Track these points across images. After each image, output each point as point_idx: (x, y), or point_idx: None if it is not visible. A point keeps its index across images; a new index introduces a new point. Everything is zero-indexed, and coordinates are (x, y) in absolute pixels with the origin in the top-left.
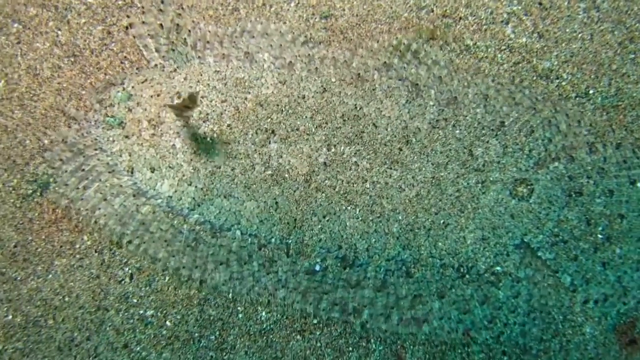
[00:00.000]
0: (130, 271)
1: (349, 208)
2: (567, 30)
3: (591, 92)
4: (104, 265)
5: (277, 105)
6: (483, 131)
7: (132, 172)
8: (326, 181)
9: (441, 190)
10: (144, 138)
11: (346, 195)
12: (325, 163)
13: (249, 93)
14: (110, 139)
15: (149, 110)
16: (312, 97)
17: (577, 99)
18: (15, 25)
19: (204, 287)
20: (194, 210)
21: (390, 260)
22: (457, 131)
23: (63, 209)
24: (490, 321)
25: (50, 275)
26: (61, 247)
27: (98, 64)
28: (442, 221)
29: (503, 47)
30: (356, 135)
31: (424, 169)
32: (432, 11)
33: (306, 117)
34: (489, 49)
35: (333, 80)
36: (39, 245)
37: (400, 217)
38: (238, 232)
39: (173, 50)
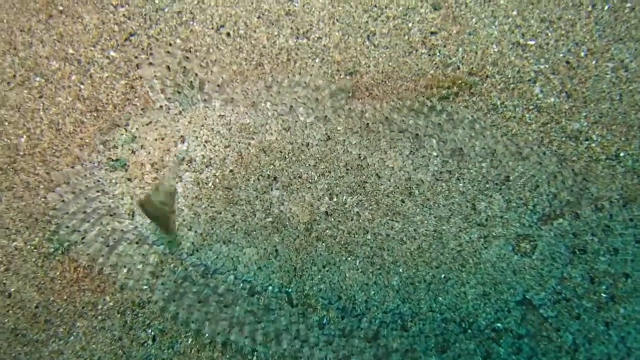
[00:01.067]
0: (153, 333)
1: (349, 259)
2: (596, 90)
3: (622, 154)
4: (126, 327)
5: (281, 152)
6: (487, 185)
7: (132, 216)
8: (327, 231)
9: (443, 244)
10: (146, 181)
11: (347, 246)
12: (326, 212)
13: (253, 139)
14: (113, 181)
15: (152, 153)
16: (316, 144)
17: (607, 161)
18: (38, 79)
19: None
20: (192, 255)
21: (387, 312)
22: (461, 184)
23: (84, 268)
24: None
25: (72, 337)
26: (83, 307)
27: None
28: (443, 275)
29: (531, 107)
30: (359, 185)
31: (426, 221)
32: (459, 68)
33: (309, 165)
34: (517, 109)
35: (339, 128)
36: (60, 305)
37: (400, 270)
38: (231, 277)
39: (179, 92)
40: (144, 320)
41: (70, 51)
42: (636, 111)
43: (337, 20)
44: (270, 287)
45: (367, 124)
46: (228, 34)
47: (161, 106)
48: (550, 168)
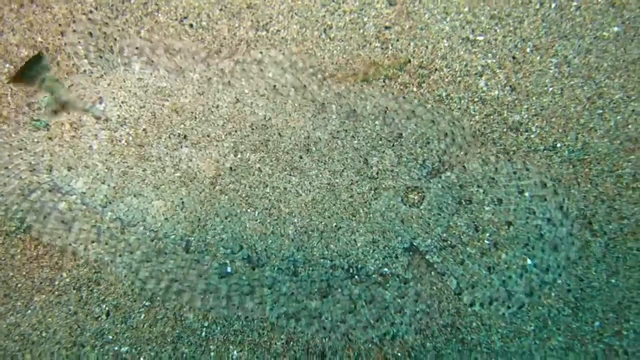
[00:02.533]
0: (107, 308)
1: (249, 210)
2: (539, 84)
3: (559, 145)
4: (81, 302)
5: (192, 112)
6: (380, 142)
7: (50, 171)
8: (230, 185)
9: (335, 196)
10: (64, 139)
11: (247, 199)
12: (231, 168)
13: (167, 101)
14: (35, 139)
15: (72, 113)
16: (225, 106)
17: (545, 151)
18: (7, 65)
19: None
20: (106, 207)
21: (283, 260)
22: (355, 141)
23: (44, 246)
24: (377, 320)
25: (29, 311)
26: (41, 283)
27: None
28: (334, 224)
29: (476, 99)
30: (262, 143)
31: (320, 175)
32: (410, 62)
33: (217, 124)
34: (462, 101)
35: (246, 91)
36: (19, 281)
37: (295, 220)
38: (141, 228)
39: (101, 57)
40: (99, 296)
41: (39, 39)
42: (575, 105)
43: (295, 13)
44: (172, 236)
45: (275, 85)
46: (191, 25)
47: (84, 70)
48: (442, 126)
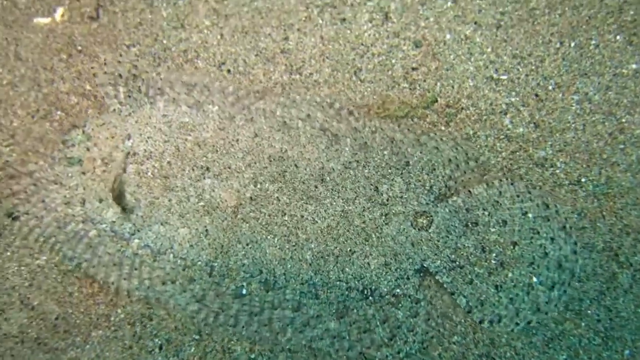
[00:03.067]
0: (159, 342)
1: (269, 237)
2: (562, 120)
3: (583, 180)
4: (136, 337)
5: (213, 146)
6: (389, 170)
7: (83, 204)
8: (251, 213)
9: (349, 222)
10: (97, 174)
11: (267, 226)
12: (251, 197)
13: (190, 135)
14: (69, 175)
15: (103, 149)
16: (245, 140)
17: (570, 186)
18: (59, 112)
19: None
20: (134, 235)
21: (303, 284)
22: (366, 170)
23: (99, 284)
24: (391, 339)
25: (88, 346)
26: (97, 319)
27: None
28: (349, 249)
29: (501, 137)
30: (279, 174)
31: (334, 203)
32: (437, 101)
33: (238, 157)
34: (488, 138)
35: (265, 127)
36: (77, 317)
37: (312, 246)
38: (171, 256)
39: (129, 96)
40: (152, 331)
41: (88, 87)
42: (598, 140)
43: (327, 57)
44: (199, 262)
45: (285, 122)
46: (229, 70)
47: (114, 109)
48: (445, 153)
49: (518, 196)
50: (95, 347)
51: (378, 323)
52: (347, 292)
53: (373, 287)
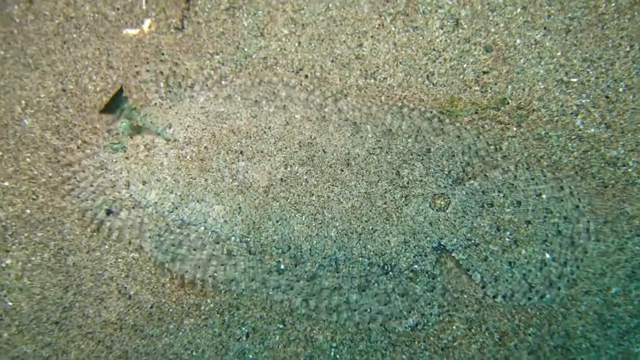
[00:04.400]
0: (246, 330)
1: (297, 215)
2: (633, 121)
3: None
4: (224, 325)
5: (247, 132)
6: (411, 156)
7: (128, 186)
8: (281, 193)
9: (371, 203)
10: (139, 158)
11: (296, 205)
12: (281, 179)
13: (225, 123)
14: (114, 160)
15: (145, 137)
16: (277, 128)
17: None
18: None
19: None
20: (172, 212)
21: (326, 258)
22: (389, 156)
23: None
24: (409, 311)
25: (181, 333)
26: (189, 308)
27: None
28: (371, 227)
29: (573, 137)
30: (308, 158)
31: (358, 185)
32: (508, 103)
33: (270, 142)
34: (560, 139)
35: (296, 116)
36: (170, 306)
37: (337, 224)
38: (202, 228)
39: (170, 92)
40: (239, 320)
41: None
42: None
43: (400, 62)
44: (232, 237)
45: (324, 115)
46: (306, 76)
47: (155, 103)
48: (466, 141)
49: (533, 179)
50: (187, 334)
51: (397, 296)
52: (368, 267)
53: (393, 263)
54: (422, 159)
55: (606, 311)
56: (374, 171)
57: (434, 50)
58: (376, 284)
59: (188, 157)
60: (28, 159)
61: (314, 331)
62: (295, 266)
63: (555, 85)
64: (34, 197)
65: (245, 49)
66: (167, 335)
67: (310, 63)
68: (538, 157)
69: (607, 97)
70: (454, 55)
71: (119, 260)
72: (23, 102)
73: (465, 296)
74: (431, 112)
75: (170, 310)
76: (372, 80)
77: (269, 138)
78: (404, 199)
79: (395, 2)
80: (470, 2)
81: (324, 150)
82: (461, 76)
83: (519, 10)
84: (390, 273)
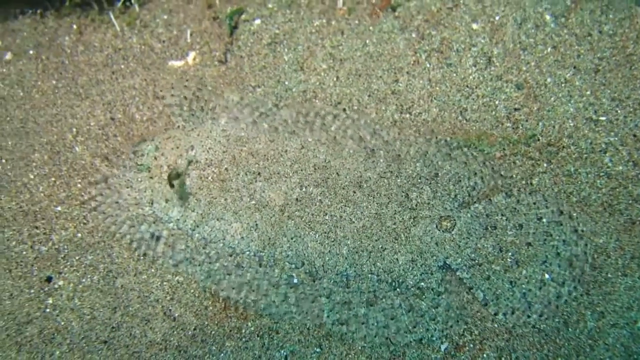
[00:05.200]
0: (285, 353)
1: (311, 233)
2: None
3: None
4: (264, 348)
5: (265, 155)
6: (419, 180)
7: (152, 204)
8: (296, 212)
9: (381, 223)
10: (163, 178)
11: (310, 224)
12: (297, 199)
13: (245, 146)
14: (139, 179)
15: (169, 158)
16: (292, 151)
17: None
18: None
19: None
20: (194, 230)
21: (337, 274)
22: (399, 180)
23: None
24: (415, 326)
25: (222, 354)
26: (230, 331)
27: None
28: (380, 246)
29: (602, 174)
30: (322, 180)
31: (370, 207)
32: (539, 140)
33: (286, 165)
34: (589, 175)
35: (310, 140)
36: (212, 328)
37: (349, 242)
38: (220, 244)
39: (192, 115)
40: (278, 343)
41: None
42: None
43: (434, 98)
44: (247, 252)
45: (334, 137)
46: (344, 110)
47: (179, 126)
48: (473, 167)
49: (535, 203)
50: (228, 356)
51: (404, 312)
52: (377, 284)
53: (400, 280)
54: (430, 183)
55: (632, 343)
56: (385, 193)
57: (467, 86)
58: (384, 299)
59: (209, 178)
60: (79, 185)
61: (350, 355)
62: (313, 282)
63: (584, 123)
64: (85, 221)
65: (286, 83)
66: (209, 357)
67: (348, 97)
68: (568, 193)
69: (634, 135)
70: (487, 92)
71: (164, 283)
72: (74, 129)
73: (496, 325)
74: (456, 142)
75: (213, 332)
76: (408, 115)
77: (286, 160)
78: (412, 220)
79: (430, 39)
80: (502, 41)
81: (337, 173)
82: (493, 112)
83: (549, 49)
84: (398, 289)
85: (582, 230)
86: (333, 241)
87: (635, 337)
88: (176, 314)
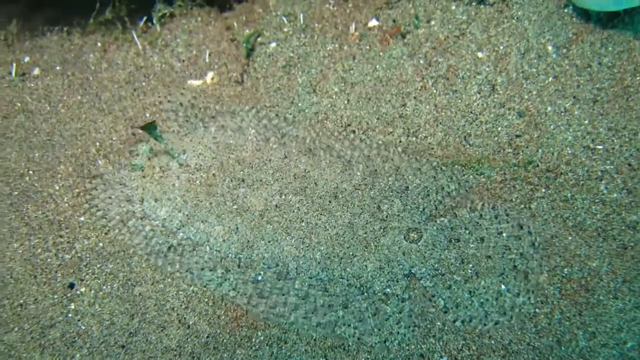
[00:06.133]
0: None
1: (287, 238)
2: None
3: None
4: (272, 357)
5: (250, 163)
6: (391, 193)
7: (142, 202)
8: (275, 217)
9: (353, 232)
10: (154, 178)
11: (287, 229)
12: (276, 205)
13: (233, 154)
14: (132, 178)
15: (162, 160)
16: (276, 160)
17: None
18: None
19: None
20: (179, 230)
21: (311, 278)
22: (372, 192)
23: (241, 309)
24: (379, 329)
25: None
26: (241, 339)
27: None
28: (351, 253)
29: (597, 201)
30: (301, 189)
31: (343, 216)
32: (538, 166)
33: (269, 173)
34: (585, 202)
35: (293, 151)
36: (224, 337)
37: (322, 248)
38: (207, 248)
39: (187, 121)
40: (286, 352)
41: None
42: None
43: (440, 123)
44: (229, 254)
45: (310, 148)
46: (353, 131)
47: (174, 130)
48: (441, 181)
49: (496, 217)
50: None
51: (370, 314)
52: (347, 288)
53: (368, 285)
54: (401, 196)
55: None
56: (358, 204)
57: (472, 112)
58: (353, 303)
59: (197, 182)
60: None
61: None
62: (279, 280)
63: (582, 151)
64: (106, 231)
65: (299, 104)
66: None
67: (357, 119)
68: (564, 218)
69: (629, 164)
70: (490, 119)
71: (180, 292)
72: (97, 143)
73: (493, 342)
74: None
75: (225, 340)
76: (414, 139)
77: (269, 169)
78: (382, 230)
79: (437, 66)
80: (506, 70)
81: (315, 183)
82: (495, 138)
83: (550, 79)
84: (365, 294)
85: (539, 244)
86: (307, 246)
87: (624, 358)
88: (190, 322)
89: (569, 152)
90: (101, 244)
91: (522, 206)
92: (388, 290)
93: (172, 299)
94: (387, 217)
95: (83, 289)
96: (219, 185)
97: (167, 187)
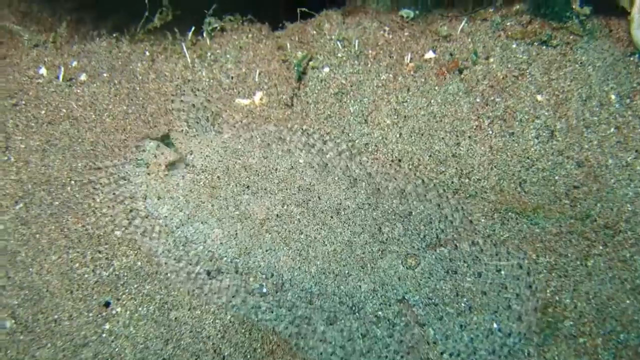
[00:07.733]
0: None
1: (285, 249)
2: None
3: None
4: None
5: (256, 171)
6: (394, 216)
7: (145, 199)
8: (275, 227)
9: (351, 250)
10: (159, 175)
11: (286, 240)
12: (277, 215)
13: (239, 159)
14: (137, 173)
15: (168, 158)
16: (282, 170)
17: None
18: None
19: None
20: (179, 228)
21: (303, 290)
22: (375, 213)
23: (277, 343)
24: (368, 351)
25: None
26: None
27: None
28: (347, 271)
29: None
30: (304, 201)
31: (343, 233)
32: (595, 221)
33: (274, 182)
34: None
35: (300, 161)
36: None
37: (318, 263)
38: (201, 247)
39: (197, 122)
40: None
41: None
42: None
43: (495, 166)
44: (225, 258)
45: (325, 164)
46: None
47: (182, 130)
48: (445, 211)
49: (497, 255)
50: None
51: (359, 335)
52: (338, 305)
53: (360, 306)
54: (403, 221)
55: None
56: (360, 223)
57: (528, 158)
58: (342, 321)
59: (201, 183)
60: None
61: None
62: (276, 292)
63: None
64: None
65: (350, 134)
66: None
67: (409, 155)
68: (622, 279)
69: None
70: (547, 166)
71: (217, 321)
72: None
73: None
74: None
75: None
76: (467, 180)
77: (274, 178)
78: (380, 252)
79: (494, 106)
80: (566, 116)
81: (319, 197)
82: (552, 187)
83: (612, 129)
84: (357, 314)
85: (536, 288)
86: (304, 259)
87: None
88: (226, 353)
89: (629, 208)
90: (139, 263)
91: (578, 262)
92: (380, 313)
93: (209, 327)
94: (387, 239)
95: (119, 309)
96: (222, 189)
97: (171, 185)
